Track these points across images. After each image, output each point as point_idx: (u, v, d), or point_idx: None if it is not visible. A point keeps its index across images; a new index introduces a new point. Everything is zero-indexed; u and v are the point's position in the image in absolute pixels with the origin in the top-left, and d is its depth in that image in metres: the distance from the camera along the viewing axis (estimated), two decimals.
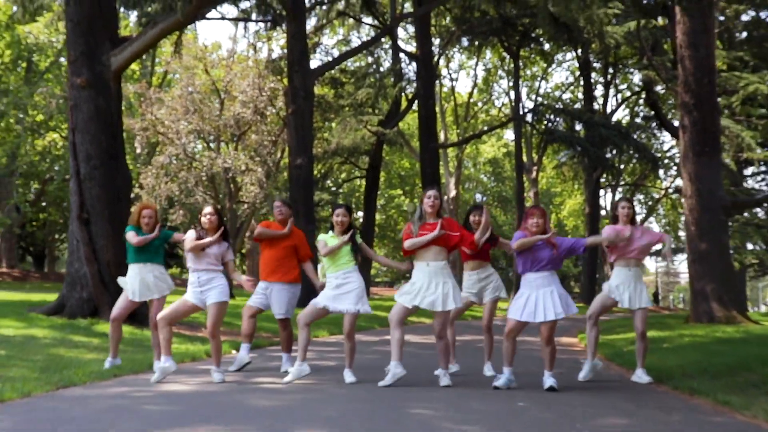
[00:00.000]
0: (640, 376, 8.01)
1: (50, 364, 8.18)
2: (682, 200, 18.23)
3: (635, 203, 48.67)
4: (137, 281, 8.63)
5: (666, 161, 43.21)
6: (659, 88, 32.81)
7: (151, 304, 8.73)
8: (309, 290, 10.27)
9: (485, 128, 40.94)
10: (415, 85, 35.55)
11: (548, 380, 7.14)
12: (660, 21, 29.99)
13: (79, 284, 13.80)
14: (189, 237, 7.81)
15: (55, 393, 6.53)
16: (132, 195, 33.94)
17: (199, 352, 10.49)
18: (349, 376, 7.61)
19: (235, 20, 28.28)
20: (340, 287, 7.70)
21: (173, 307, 7.74)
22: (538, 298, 7.19)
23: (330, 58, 33.10)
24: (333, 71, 32.20)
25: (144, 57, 42.22)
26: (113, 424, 5.00)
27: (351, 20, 35.49)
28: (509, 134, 56.00)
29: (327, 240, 7.85)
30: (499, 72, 46.88)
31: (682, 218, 51.98)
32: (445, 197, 39.54)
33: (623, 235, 7.93)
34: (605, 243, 8.00)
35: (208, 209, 7.94)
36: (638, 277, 8.17)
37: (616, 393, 7.17)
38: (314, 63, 29.51)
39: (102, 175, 14.05)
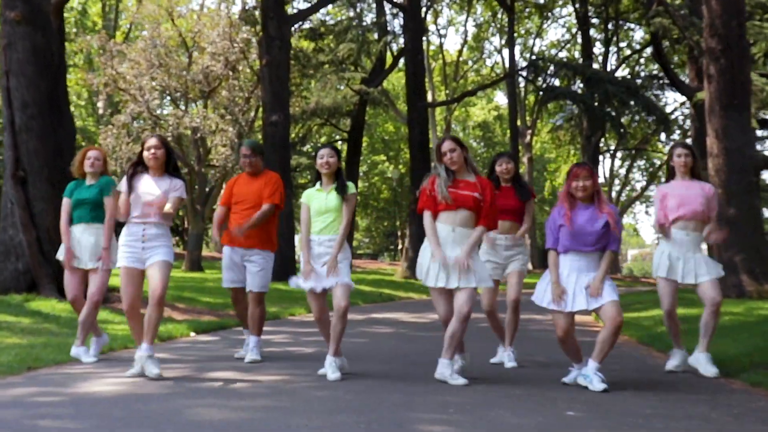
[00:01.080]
0: (705, 365, 6.47)
1: None
2: (708, 160, 16.71)
3: (636, 169, 47.30)
4: (74, 245, 7.12)
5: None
6: (665, 46, 31.32)
7: (74, 273, 7.17)
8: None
9: (477, 87, 39.20)
10: (401, 40, 34.01)
11: (595, 380, 5.60)
12: None
13: (13, 254, 12.18)
14: (122, 184, 6.21)
15: None
16: None
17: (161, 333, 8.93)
18: (332, 371, 6.03)
19: None
20: (320, 257, 6.24)
21: (125, 290, 6.15)
22: (576, 284, 5.74)
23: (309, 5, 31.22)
24: (313, 22, 30.46)
25: (107, 8, 40.35)
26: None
27: None
28: (500, 97, 54.52)
29: (310, 196, 6.40)
30: (491, 29, 45.26)
31: None
32: (432, 164, 37.88)
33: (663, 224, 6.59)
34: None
35: (152, 141, 6.25)
36: (699, 243, 6.64)
37: (680, 393, 5.66)
38: (291, 11, 27.71)
39: (41, 126, 12.44)
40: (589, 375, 5.62)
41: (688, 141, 43.04)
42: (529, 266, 7.27)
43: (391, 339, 9.72)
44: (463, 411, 4.66)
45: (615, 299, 5.63)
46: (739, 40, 16.49)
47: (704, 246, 7.11)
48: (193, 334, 9.77)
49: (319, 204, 6.30)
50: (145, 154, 6.18)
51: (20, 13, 12.46)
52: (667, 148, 46.25)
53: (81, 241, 7.08)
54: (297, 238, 6.75)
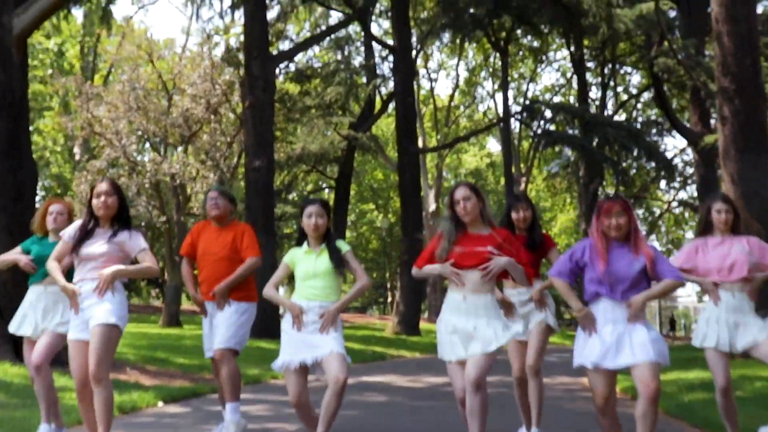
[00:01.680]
0: None
1: None
2: (686, 215, 16.02)
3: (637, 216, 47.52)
4: (34, 309, 6.24)
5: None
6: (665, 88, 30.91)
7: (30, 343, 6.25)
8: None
9: (470, 132, 38.71)
10: (390, 84, 33.52)
11: None
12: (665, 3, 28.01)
13: None
14: (67, 232, 5.35)
15: None
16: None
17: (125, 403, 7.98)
18: None
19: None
20: (307, 327, 5.46)
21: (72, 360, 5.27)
22: (620, 335, 4.81)
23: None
24: (298, 62, 29.96)
25: (85, 50, 39.77)
26: None
27: (320, 9, 33.21)
28: (492, 143, 54.12)
29: (295, 258, 5.68)
30: (483, 73, 45.00)
31: (687, 235, 50.60)
32: (424, 212, 37.08)
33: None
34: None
35: (103, 186, 5.39)
36: (747, 306, 5.77)
37: None
38: (275, 52, 27.16)
39: None
40: None
41: (692, 188, 42.61)
42: (553, 323, 6.30)
43: (387, 410, 8.77)
44: None
45: (653, 360, 4.68)
46: (753, 78, 15.95)
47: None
48: (161, 403, 8.80)
49: (307, 267, 5.59)
50: (94, 201, 5.35)
51: None
52: (667, 196, 45.80)
53: (37, 304, 6.20)
54: (282, 291, 5.89)
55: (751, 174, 15.51)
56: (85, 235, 5.28)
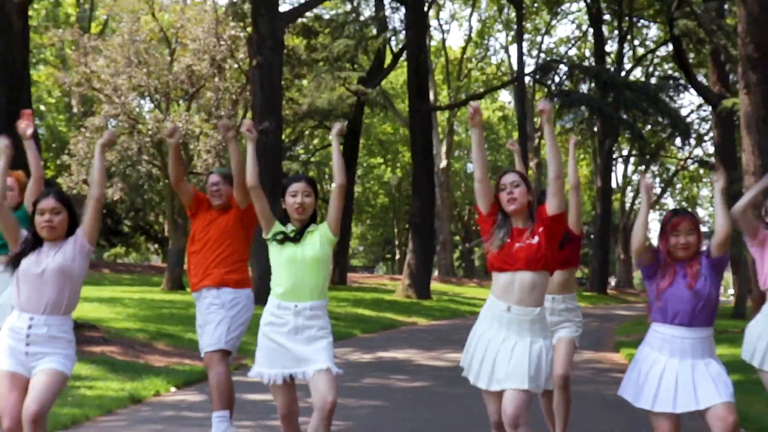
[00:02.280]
0: None
1: None
2: (744, 178, 16.05)
3: (650, 176, 46.86)
4: None
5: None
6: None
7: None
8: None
9: (481, 89, 38.62)
10: (401, 36, 33.43)
11: None
12: None
13: None
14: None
15: None
16: (58, 163, 31.66)
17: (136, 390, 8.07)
18: None
19: None
20: (298, 332, 4.88)
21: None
22: (678, 375, 4.48)
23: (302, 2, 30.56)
24: (305, 18, 29.79)
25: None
26: None
27: None
28: (504, 95, 53.96)
29: (279, 229, 5.06)
30: (497, 24, 44.98)
31: (702, 192, 50.66)
32: (435, 168, 37.07)
33: None
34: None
35: (47, 201, 4.66)
36: None
37: None
38: (284, 8, 26.99)
39: None
40: None
41: (707, 145, 42.46)
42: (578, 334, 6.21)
43: (413, 400, 8.76)
44: None
45: (729, 401, 4.38)
46: None
47: None
48: (173, 389, 8.91)
49: (293, 253, 4.96)
50: (37, 219, 4.66)
51: None
52: (682, 153, 45.79)
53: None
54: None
55: None
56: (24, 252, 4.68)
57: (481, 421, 5.06)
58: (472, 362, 4.75)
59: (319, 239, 5.00)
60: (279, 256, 5.01)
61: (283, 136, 29.58)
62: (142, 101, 29.44)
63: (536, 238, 4.63)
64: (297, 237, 4.97)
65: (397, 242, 51.55)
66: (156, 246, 46.31)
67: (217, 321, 5.98)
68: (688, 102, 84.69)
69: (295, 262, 4.94)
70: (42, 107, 37.66)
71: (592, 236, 40.23)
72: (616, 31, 39.55)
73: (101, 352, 10.58)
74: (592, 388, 9.65)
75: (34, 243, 4.65)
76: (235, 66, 27.04)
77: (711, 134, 35.70)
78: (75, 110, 35.55)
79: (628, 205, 47.02)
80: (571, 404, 6.17)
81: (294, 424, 5.06)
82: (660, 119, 28.17)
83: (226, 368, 6.01)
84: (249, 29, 24.42)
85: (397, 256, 51.02)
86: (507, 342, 4.62)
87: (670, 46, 29.68)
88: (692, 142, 42.68)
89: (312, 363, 4.79)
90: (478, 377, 4.72)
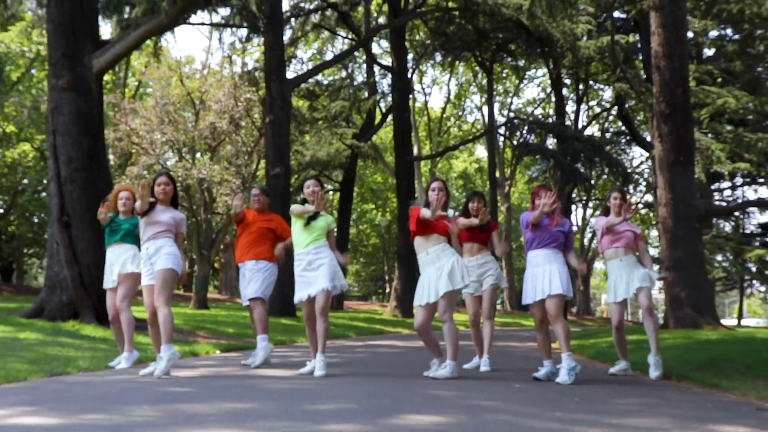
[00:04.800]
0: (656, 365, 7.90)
1: (40, 359, 8.12)
2: (657, 209, 18.51)
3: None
4: (108, 266, 8.39)
5: (635, 176, 43.75)
6: (628, 105, 33.42)
7: (114, 290, 8.32)
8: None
9: (459, 142, 41.17)
10: (389, 98, 35.92)
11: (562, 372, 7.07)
12: (630, 38, 30.59)
13: (59, 287, 13.67)
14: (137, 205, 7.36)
15: (50, 379, 6.51)
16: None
17: (185, 353, 10.43)
18: (320, 368, 7.14)
19: (216, 25, 28.49)
20: (311, 264, 7.41)
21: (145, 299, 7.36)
22: (540, 275, 7.26)
23: (305, 69, 33.26)
24: (308, 83, 32.34)
25: (117, 68, 42.09)
26: (133, 398, 5.02)
27: (326, 33, 35.72)
28: (480, 150, 56.53)
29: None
30: (472, 88, 47.35)
31: (653, 233, 53.12)
32: None
33: (612, 221, 7.97)
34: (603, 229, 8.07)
35: (162, 177, 7.39)
36: (632, 264, 8.10)
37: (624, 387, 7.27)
38: (289, 75, 29.64)
39: (83, 178, 13.99)
40: None
41: (649, 193, 44.96)
42: (503, 284, 8.68)
43: (391, 353, 11.25)
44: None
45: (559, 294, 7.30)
46: (684, 105, 18.34)
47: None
48: (218, 352, 11.28)
49: (309, 223, 7.52)
50: (156, 189, 7.24)
51: (67, 80, 14.05)
52: (634, 198, 48.30)
53: (114, 261, 8.30)
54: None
55: (680, 182, 17.99)
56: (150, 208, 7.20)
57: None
58: (423, 291, 7.35)
59: (325, 220, 7.63)
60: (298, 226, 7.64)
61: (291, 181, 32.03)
62: (171, 153, 31.82)
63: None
64: (314, 217, 7.57)
65: (387, 278, 53.64)
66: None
67: (256, 279, 8.74)
68: (639, 154, 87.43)
69: (313, 229, 7.57)
70: None
71: None
72: (574, 93, 42.11)
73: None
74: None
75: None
76: (251, 124, 29.51)
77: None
78: (112, 162, 37.94)
79: (586, 244, 49.31)
80: (494, 332, 8.73)
81: (312, 325, 7.56)
82: (606, 167, 30.58)
83: (265, 308, 8.80)
84: (261, 92, 27.03)
85: (388, 290, 53.10)
86: (435, 269, 7.27)
87: (617, 108, 32.34)
88: (644, 188, 45.10)
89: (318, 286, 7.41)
90: (430, 294, 7.26)
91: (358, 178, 42.96)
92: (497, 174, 40.45)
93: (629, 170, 39.93)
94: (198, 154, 30.35)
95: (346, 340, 16.62)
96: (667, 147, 18.32)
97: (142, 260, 7.23)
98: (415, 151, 39.99)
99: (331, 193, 43.41)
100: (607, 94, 45.25)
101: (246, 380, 6.61)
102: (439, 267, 7.16)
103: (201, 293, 26.63)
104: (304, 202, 7.63)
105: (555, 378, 7.03)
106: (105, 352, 9.80)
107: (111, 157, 37.45)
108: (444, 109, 47.34)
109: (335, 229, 7.84)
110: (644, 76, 27.56)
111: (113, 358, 8.63)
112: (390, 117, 35.14)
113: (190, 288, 35.59)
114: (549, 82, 42.71)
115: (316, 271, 7.37)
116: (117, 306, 8.18)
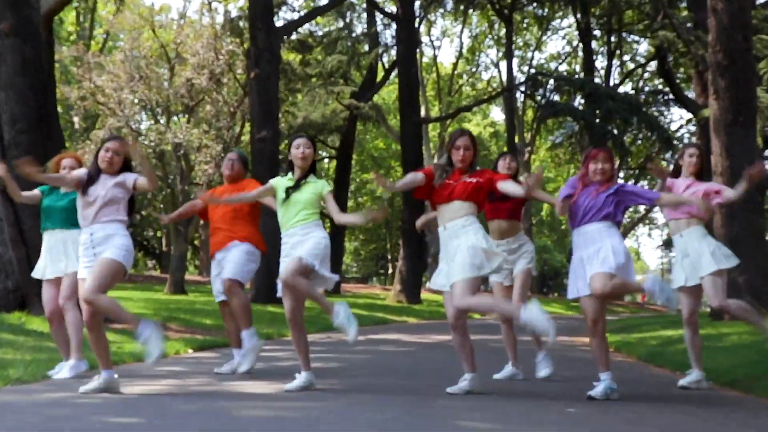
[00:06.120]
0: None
1: None
2: (711, 179, 17.51)
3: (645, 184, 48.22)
4: (46, 255, 7.36)
5: (675, 142, 42.72)
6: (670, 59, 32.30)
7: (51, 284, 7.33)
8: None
9: (472, 103, 40.13)
10: (392, 52, 34.93)
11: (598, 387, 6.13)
12: None
13: (3, 272, 12.71)
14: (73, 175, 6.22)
15: None
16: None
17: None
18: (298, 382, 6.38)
19: None
20: (294, 248, 6.37)
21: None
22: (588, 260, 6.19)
23: (297, 17, 32.12)
24: (300, 33, 31.32)
25: (81, 18, 41.05)
26: None
27: None
28: (496, 112, 55.50)
29: (280, 185, 6.50)
30: (487, 40, 46.36)
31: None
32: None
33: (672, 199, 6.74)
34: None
35: (112, 143, 6.18)
36: (700, 237, 7.04)
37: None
38: (278, 23, 28.57)
39: (30, 141, 12.98)
40: None
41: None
42: (534, 269, 7.66)
43: (400, 354, 10.32)
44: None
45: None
46: (744, 54, 17.28)
47: None
48: (190, 351, 10.36)
49: (291, 196, 6.42)
50: (101, 154, 6.13)
51: (9, 24, 13.04)
52: (671, 166, 47.20)
53: (53, 249, 7.30)
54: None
55: (738, 148, 16.96)
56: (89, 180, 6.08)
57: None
58: (437, 276, 6.38)
59: (312, 190, 6.47)
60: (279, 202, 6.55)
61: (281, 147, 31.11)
62: (143, 114, 30.86)
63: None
64: (297, 186, 6.51)
65: (389, 257, 52.87)
66: (153, 262, 47.62)
67: (235, 261, 7.60)
68: (678, 116, 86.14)
69: (295, 203, 6.45)
70: None
71: None
72: (606, 47, 41.03)
73: (122, 328, 12.01)
74: None
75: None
76: (233, 80, 28.53)
77: None
78: (77, 126, 36.98)
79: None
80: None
81: (297, 328, 6.65)
82: (644, 130, 29.61)
83: (245, 294, 7.75)
84: (246, 45, 25.99)
85: (390, 270, 52.37)
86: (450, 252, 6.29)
87: (657, 63, 31.31)
88: None
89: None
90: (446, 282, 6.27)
91: (357, 144, 42.03)
92: (516, 139, 39.37)
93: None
94: (174, 116, 29.39)
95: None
96: (723, 105, 17.28)
97: (81, 247, 6.13)
98: (423, 112, 39.00)
99: (326, 160, 42.53)
100: (643, 47, 44.26)
101: (216, 401, 5.67)
102: (455, 247, 6.19)
103: (177, 275, 25.78)
104: (290, 167, 6.58)
105: (614, 395, 6.06)
106: (51, 353, 8.87)
107: (75, 119, 36.52)
108: (455, 65, 46.40)
109: (331, 192, 6.58)
110: (689, 25, 26.45)
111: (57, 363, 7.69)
112: (394, 73, 34.16)
113: (166, 269, 34.66)
114: (576, 33, 41.69)
115: (297, 248, 6.37)
116: (61, 304, 7.21)
